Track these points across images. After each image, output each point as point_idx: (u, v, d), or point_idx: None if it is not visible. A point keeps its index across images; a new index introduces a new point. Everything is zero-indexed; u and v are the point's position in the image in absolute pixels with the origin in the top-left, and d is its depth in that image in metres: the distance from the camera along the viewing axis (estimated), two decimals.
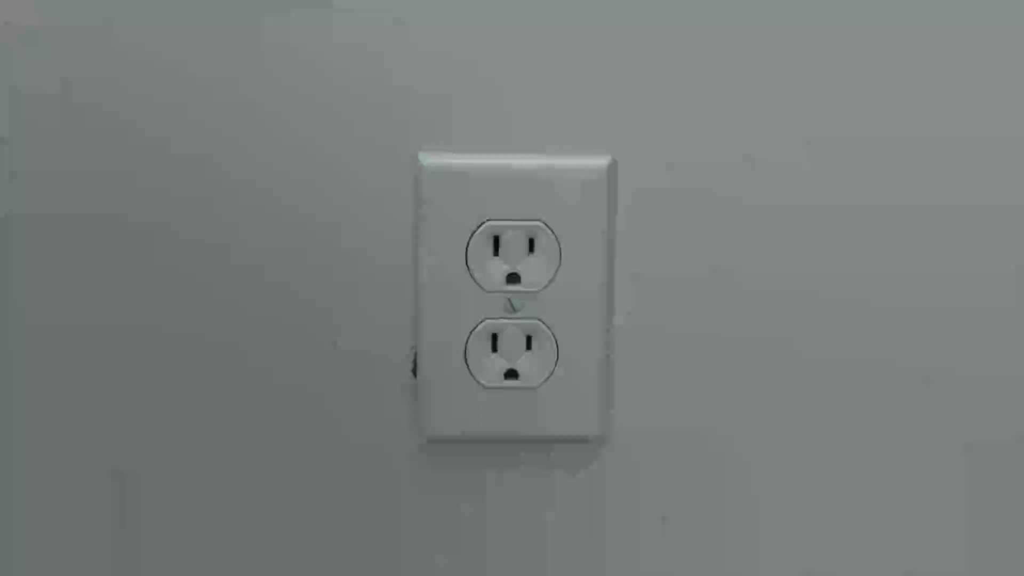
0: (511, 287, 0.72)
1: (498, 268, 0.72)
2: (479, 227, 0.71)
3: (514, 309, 0.72)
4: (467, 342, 0.73)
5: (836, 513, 0.76)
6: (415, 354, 0.73)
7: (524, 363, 0.73)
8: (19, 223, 0.71)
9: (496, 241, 0.72)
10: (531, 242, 0.72)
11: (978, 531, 0.77)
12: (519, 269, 0.72)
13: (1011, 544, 0.77)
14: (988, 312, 0.73)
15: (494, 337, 0.73)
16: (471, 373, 0.73)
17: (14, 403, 0.74)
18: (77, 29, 0.69)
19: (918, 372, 0.74)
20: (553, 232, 0.71)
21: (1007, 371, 0.74)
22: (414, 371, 0.74)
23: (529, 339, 0.73)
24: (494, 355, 0.73)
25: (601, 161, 0.71)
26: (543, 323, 0.72)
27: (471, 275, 0.72)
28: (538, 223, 0.71)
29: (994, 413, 0.75)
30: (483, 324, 0.72)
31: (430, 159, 0.71)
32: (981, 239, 0.72)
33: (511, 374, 0.73)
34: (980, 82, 0.70)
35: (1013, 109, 0.71)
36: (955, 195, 0.72)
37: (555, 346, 0.72)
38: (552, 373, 0.73)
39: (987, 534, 0.77)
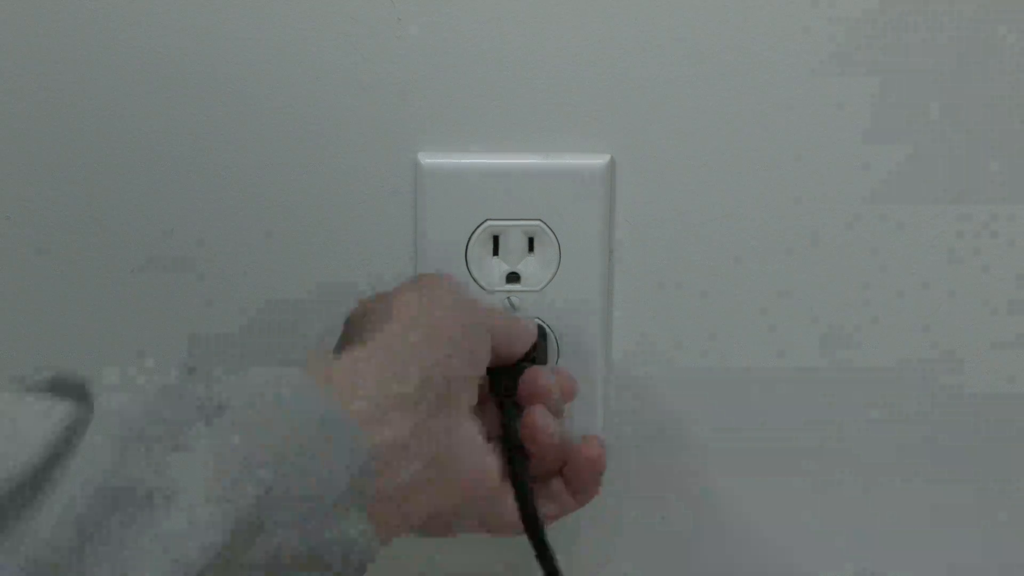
0: (511, 287, 0.72)
1: (498, 268, 0.72)
2: (479, 227, 0.71)
3: (514, 309, 0.72)
4: None
5: (836, 512, 0.76)
6: None
7: None
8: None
9: (496, 241, 0.72)
10: (531, 242, 0.72)
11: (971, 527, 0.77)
12: (519, 269, 0.72)
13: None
14: None
15: None
16: None
17: None
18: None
19: (923, 381, 0.74)
20: (553, 232, 0.71)
21: None
22: None
23: None
24: None
25: (600, 161, 0.71)
26: (543, 323, 0.72)
27: (471, 275, 0.72)
28: (538, 223, 0.71)
29: None
30: None
31: (430, 159, 0.71)
32: None
33: None
34: None
35: None
36: None
37: (555, 346, 0.72)
38: None
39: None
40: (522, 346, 0.67)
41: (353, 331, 0.62)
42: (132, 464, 0.48)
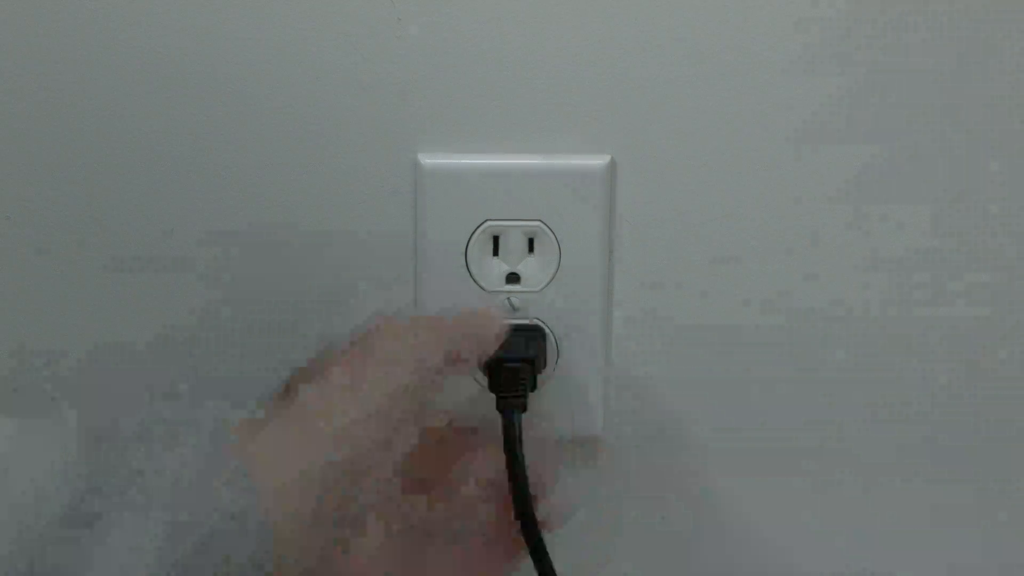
0: (511, 287, 0.72)
1: (498, 268, 0.72)
2: (479, 227, 0.71)
3: (514, 309, 0.72)
4: None
5: (836, 512, 0.76)
6: None
7: None
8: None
9: (496, 241, 0.72)
10: (531, 242, 0.72)
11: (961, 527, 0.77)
12: (519, 269, 0.72)
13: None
14: None
15: None
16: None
17: None
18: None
19: (923, 381, 0.74)
20: (553, 232, 0.71)
21: None
22: None
23: None
24: None
25: (600, 161, 0.71)
26: (543, 323, 0.72)
27: (471, 275, 0.72)
28: (538, 223, 0.71)
29: None
30: None
31: (430, 159, 0.71)
32: None
33: None
34: None
35: None
36: None
37: (555, 346, 0.72)
38: (552, 373, 0.73)
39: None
40: (493, 334, 0.66)
41: (292, 386, 0.61)
42: (40, 543, 0.47)
